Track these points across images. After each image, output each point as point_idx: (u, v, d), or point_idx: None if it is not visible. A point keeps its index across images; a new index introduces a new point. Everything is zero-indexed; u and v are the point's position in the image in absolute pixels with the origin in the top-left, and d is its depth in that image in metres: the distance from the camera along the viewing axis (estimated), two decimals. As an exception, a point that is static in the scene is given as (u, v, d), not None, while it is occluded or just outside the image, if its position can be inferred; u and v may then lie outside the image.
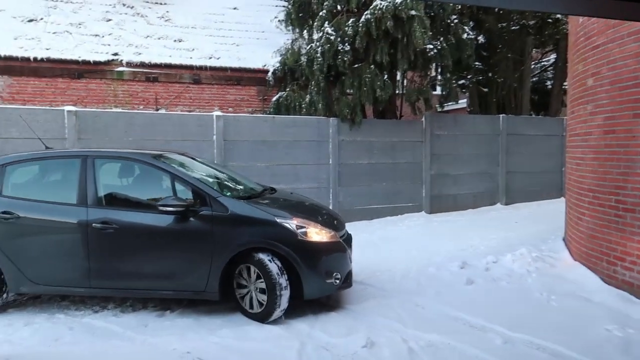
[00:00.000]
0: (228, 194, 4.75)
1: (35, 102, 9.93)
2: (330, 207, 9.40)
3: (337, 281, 4.55)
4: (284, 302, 4.35)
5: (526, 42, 11.62)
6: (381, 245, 7.71)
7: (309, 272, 4.40)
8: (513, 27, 10.78)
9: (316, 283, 4.46)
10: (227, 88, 11.63)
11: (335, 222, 5.04)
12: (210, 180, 4.96)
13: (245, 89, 11.79)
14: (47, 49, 10.21)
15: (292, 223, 4.46)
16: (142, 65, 10.82)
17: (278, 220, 4.45)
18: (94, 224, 4.49)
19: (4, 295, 4.71)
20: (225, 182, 5.19)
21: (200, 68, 11.29)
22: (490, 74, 12.12)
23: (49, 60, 10.08)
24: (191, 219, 4.43)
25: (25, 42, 10.26)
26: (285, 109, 10.29)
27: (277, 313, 4.35)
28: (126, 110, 8.10)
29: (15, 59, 9.87)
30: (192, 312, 4.68)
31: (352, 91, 9.41)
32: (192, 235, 4.43)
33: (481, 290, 5.23)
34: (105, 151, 5.08)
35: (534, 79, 13.76)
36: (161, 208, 4.38)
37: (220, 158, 8.44)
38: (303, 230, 4.47)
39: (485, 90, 12.32)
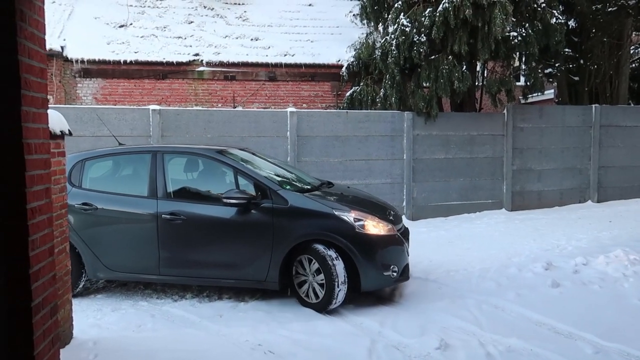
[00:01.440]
0: (288, 187, 4.86)
1: (124, 102, 10.62)
2: (404, 204, 9.21)
3: (395, 274, 4.58)
4: (341, 294, 4.43)
5: (625, 24, 10.60)
6: (457, 243, 7.41)
7: (366, 264, 4.47)
8: (609, 9, 9.86)
9: (373, 275, 4.52)
10: (301, 84, 11.75)
11: (392, 216, 5.10)
12: (271, 174, 5.09)
13: (319, 84, 11.84)
14: (136, 52, 10.87)
15: (349, 216, 4.55)
16: (221, 64, 11.20)
17: (336, 212, 4.55)
18: (163, 215, 4.76)
19: (83, 279, 5.06)
20: (285, 177, 5.28)
21: (276, 65, 11.49)
22: (581, 61, 11.21)
23: (137, 62, 10.73)
24: (253, 211, 4.61)
25: (117, 46, 10.99)
26: (358, 103, 10.20)
27: (335, 304, 4.43)
28: (205, 109, 8.42)
29: (108, 62, 10.60)
30: (264, 305, 4.75)
31: (427, 84, 9.12)
32: (254, 227, 4.62)
33: (569, 294, 4.83)
34: (173, 147, 5.40)
35: (633, 65, 12.55)
36: (225, 200, 4.58)
37: (294, 153, 8.52)
38: (361, 223, 4.55)
39: (576, 79, 11.41)
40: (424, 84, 9.24)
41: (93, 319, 4.42)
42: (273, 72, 11.53)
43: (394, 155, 9.16)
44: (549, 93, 13.95)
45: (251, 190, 4.69)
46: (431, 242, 7.49)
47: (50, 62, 10.41)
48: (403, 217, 9.21)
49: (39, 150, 2.36)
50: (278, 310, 4.62)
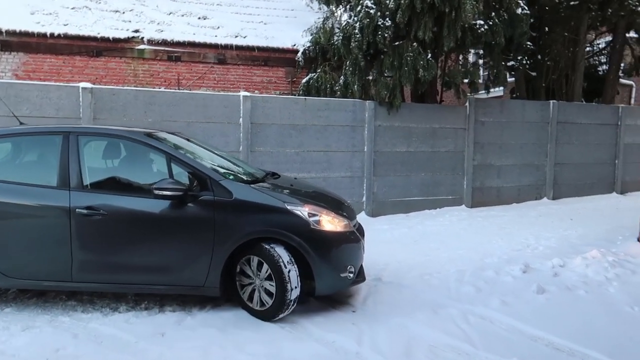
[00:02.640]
0: (231, 177, 4.20)
1: (51, 81, 9.34)
2: (364, 199, 8.66)
3: (351, 275, 4.14)
4: (294, 299, 3.89)
5: (582, 20, 10.53)
6: (423, 243, 6.91)
7: (322, 264, 3.96)
8: (572, 2, 9.70)
9: (330, 277, 4.04)
10: (253, 69, 10.91)
11: (346, 210, 4.59)
12: (210, 162, 4.39)
13: (272, 70, 11.06)
14: (65, 25, 9.62)
15: (303, 210, 4.01)
16: (164, 43, 10.17)
17: (288, 207, 3.99)
18: (77, 210, 3.91)
19: None
20: (225, 166, 4.59)
21: (226, 47, 10.58)
22: (539, 56, 11.08)
23: (66, 36, 9.49)
24: (190, 204, 3.93)
25: (42, 17, 9.69)
26: (315, 91, 9.52)
27: (286, 311, 3.90)
28: (146, 89, 7.45)
29: (32, 34, 9.30)
30: (216, 319, 3.98)
31: (390, 72, 8.58)
32: (191, 223, 3.95)
33: (556, 301, 4.40)
34: (91, 127, 4.59)
35: (587, 64, 12.63)
36: (156, 192, 3.83)
37: (247, 142, 7.72)
38: (315, 218, 4.02)
39: (533, 74, 11.28)
40: (386, 72, 8.69)
41: (-6, 343, 3.48)
42: (223, 55, 10.62)
43: (355, 147, 8.56)
44: (498, 90, 13.85)
45: (187, 180, 3.99)
46: (395, 241, 6.95)
47: (-39, 30, 9.00)
48: (362, 213, 8.68)
49: None
50: (233, 325, 3.86)
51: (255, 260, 3.98)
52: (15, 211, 4.02)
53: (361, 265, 4.37)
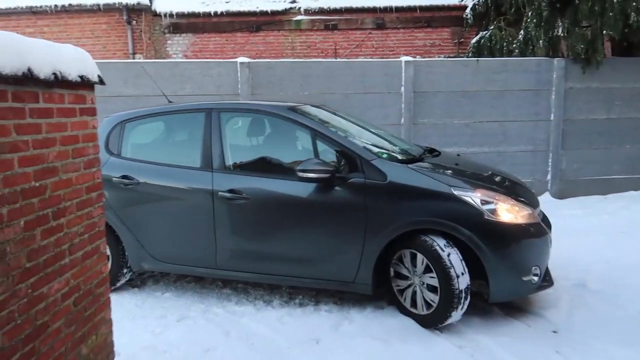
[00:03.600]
0: (385, 155, 3.55)
1: (216, 59, 9.60)
2: (549, 177, 7.23)
3: (536, 278, 3.33)
4: (463, 304, 3.21)
5: None
6: (635, 235, 5.40)
7: (499, 265, 3.20)
8: None
9: (509, 281, 3.26)
10: (415, 32, 9.92)
11: (527, 195, 3.74)
12: (360, 138, 3.79)
13: (436, 31, 9.93)
14: (227, 2, 9.75)
15: (474, 197, 3.27)
16: (321, 11, 9.73)
17: (456, 192, 3.27)
18: (220, 193, 3.61)
19: (125, 272, 4.10)
20: (377, 142, 3.90)
21: (384, 10, 9.75)
22: None
23: (228, 13, 9.62)
24: (337, 187, 3.41)
25: (207, -3, 9.95)
26: (488, 52, 8.18)
27: (453, 318, 3.23)
28: (302, 60, 7.07)
29: (198, 15, 9.62)
30: (377, 327, 3.35)
31: (589, 21, 6.89)
32: (339, 210, 3.43)
33: None
34: (233, 103, 4.23)
35: None
36: (300, 174, 3.37)
37: (409, 114, 6.89)
38: (490, 206, 3.25)
39: None
40: (583, 22, 7.01)
41: (151, 334, 3.34)
42: (381, 19, 9.82)
43: (538, 116, 7.14)
44: None
45: (338, 160, 3.48)
46: (595, 232, 5.56)
47: (139, 17, 9.67)
48: (547, 194, 7.27)
49: None
50: (398, 338, 3.19)
51: (413, 255, 3.34)
52: (161, 193, 3.88)
53: (547, 267, 3.53)
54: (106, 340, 2.69)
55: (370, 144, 3.75)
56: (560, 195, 7.25)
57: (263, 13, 9.67)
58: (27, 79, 1.97)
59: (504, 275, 3.21)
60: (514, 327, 3.29)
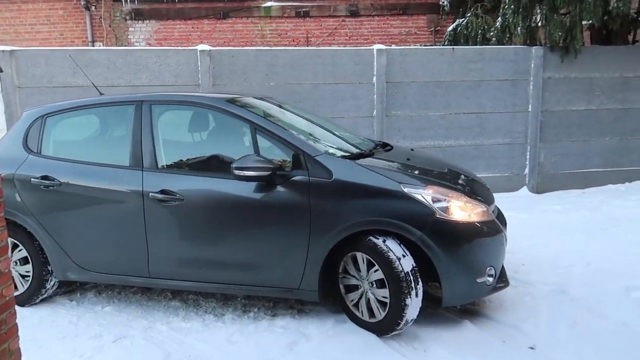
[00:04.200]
0: (331, 151, 3.27)
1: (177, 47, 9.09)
2: (526, 171, 6.97)
3: (491, 279, 3.11)
4: (414, 309, 2.97)
5: None
6: (616, 232, 5.15)
7: (452, 266, 2.96)
8: None
9: (462, 283, 3.03)
10: (390, 20, 9.54)
11: (481, 191, 3.50)
12: (305, 132, 3.50)
13: (412, 19, 9.57)
14: (192, -13, 9.21)
15: (425, 194, 3.02)
16: (292, -2, 9.26)
17: (405, 189, 3.01)
18: (151, 194, 3.25)
19: (51, 282, 3.70)
20: (324, 136, 3.63)
21: (358, -4, 9.34)
22: None
23: (193, 0, 9.09)
24: (280, 187, 3.09)
25: (172, -19, 9.38)
26: (464, 40, 7.87)
27: (411, 309, 2.96)
28: (267, 48, 6.63)
29: (160, 1, 9.06)
30: (337, 346, 2.99)
31: (568, 8, 6.62)
32: (281, 211, 3.12)
33: None
34: (165, 95, 3.79)
35: None
36: (236, 172, 3.01)
37: (381, 105, 6.53)
38: (442, 204, 3.01)
39: None
40: (562, 9, 6.73)
41: (79, 359, 2.92)
42: (355, 5, 9.41)
43: (515, 107, 6.86)
44: None
45: (278, 157, 3.18)
46: (574, 229, 5.29)
47: (98, 2, 9.08)
48: (524, 188, 7.01)
49: None
50: (360, 356, 2.84)
51: (361, 258, 3.07)
52: (86, 195, 3.46)
53: (502, 266, 3.33)
54: (9, 373, 2.27)
55: (317, 139, 3.45)
56: (538, 189, 7.00)
57: (230, -1, 9.18)
58: None
59: (457, 277, 2.98)
60: (487, 344, 2.96)
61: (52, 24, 9.28)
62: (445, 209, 2.98)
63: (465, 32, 7.84)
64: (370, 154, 3.50)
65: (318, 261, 3.08)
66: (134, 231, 3.34)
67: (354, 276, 3.13)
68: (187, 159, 3.44)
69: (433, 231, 2.92)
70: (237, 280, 3.27)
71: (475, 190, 3.39)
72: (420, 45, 9.25)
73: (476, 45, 7.43)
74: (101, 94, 4.11)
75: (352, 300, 3.17)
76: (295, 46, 9.38)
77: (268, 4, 9.28)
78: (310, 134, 3.53)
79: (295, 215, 3.06)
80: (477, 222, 3.07)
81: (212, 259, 3.28)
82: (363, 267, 3.06)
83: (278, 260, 3.16)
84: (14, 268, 3.70)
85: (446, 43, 8.16)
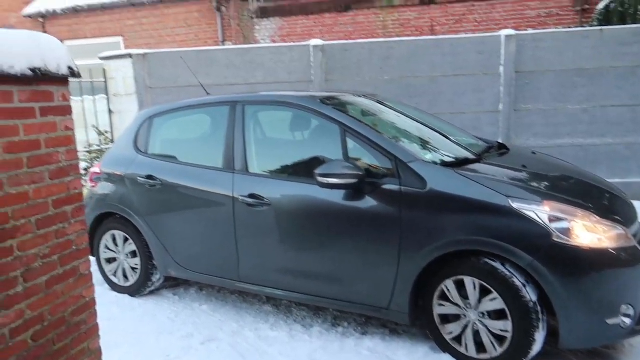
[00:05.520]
0: (428, 156, 2.89)
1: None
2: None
3: (628, 320, 2.47)
4: (539, 345, 2.50)
5: None
6: None
7: (572, 301, 2.41)
8: None
9: (585, 322, 2.45)
10: (526, 0, 8.51)
11: (620, 208, 2.86)
12: (404, 135, 3.19)
13: (554, -1, 8.42)
14: (315, -18, 9.18)
15: (540, 211, 2.48)
16: (416, -15, 8.75)
17: (515, 204, 2.51)
18: (240, 198, 3.16)
19: (155, 278, 3.86)
20: (428, 138, 3.28)
21: (490, -23, 8.49)
22: None
23: (316, -7, 9.06)
24: (368, 196, 2.79)
25: (296, -23, 9.47)
26: (618, 19, 6.70)
27: (537, 343, 2.48)
28: (381, 40, 6.29)
29: (285, -3, 9.19)
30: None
31: None
32: (369, 222, 2.81)
33: None
34: (258, 95, 3.63)
35: None
36: (320, 179, 2.77)
37: (509, 98, 5.81)
38: (562, 225, 2.45)
39: None
40: None
41: (165, 359, 2.95)
42: (486, -12, 8.58)
43: (684, 98, 5.62)
44: None
45: (370, 161, 2.86)
46: None
47: (228, 3, 9.52)
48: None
49: None
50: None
51: (474, 284, 2.60)
52: (183, 196, 3.52)
53: None
54: (88, 376, 2.33)
55: (416, 142, 3.10)
56: None
57: (352, -10, 8.95)
58: None
59: (579, 315, 2.43)
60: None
61: (188, 27, 9.98)
62: (567, 231, 2.43)
63: (620, 9, 6.67)
64: (477, 159, 3.03)
65: (409, 281, 2.74)
66: (225, 234, 3.31)
67: (456, 304, 2.68)
68: (276, 162, 3.32)
69: (548, 257, 2.40)
70: (324, 292, 3.06)
71: (612, 207, 2.77)
72: (562, 28, 8.10)
73: (634, 24, 6.24)
74: (208, 93, 4.17)
75: (450, 333, 2.74)
76: (418, 36, 8.86)
77: (391, -7, 8.89)
78: (410, 136, 3.20)
79: (385, 227, 2.75)
80: (611, 249, 2.46)
81: (298, 268, 3.12)
82: (473, 294, 2.60)
83: (365, 276, 2.88)
84: (125, 260, 3.93)
85: (595, 24, 7.02)
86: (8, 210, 1.88)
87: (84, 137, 6.31)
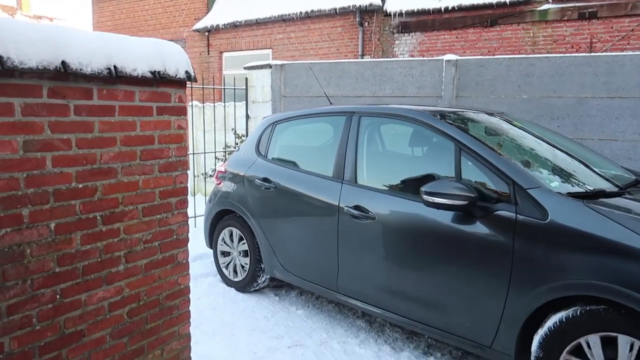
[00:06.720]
0: (554, 184, 2.54)
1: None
2: None
3: None
4: None
5: None
6: None
7: None
8: None
9: None
10: None
11: None
12: (532, 157, 2.90)
13: None
14: (460, -4, 8.88)
15: None
16: (576, -3, 7.95)
17: None
18: (346, 208, 3.13)
19: (261, 279, 4.03)
20: (562, 164, 2.91)
21: (670, -12, 7.36)
22: None
23: (460, 8, 8.76)
24: (479, 221, 2.57)
25: (441, -8, 9.27)
26: None
27: None
28: (521, 56, 5.78)
29: (428, 12, 9.04)
30: None
31: None
32: (476, 248, 2.58)
33: None
34: (375, 107, 3.49)
35: None
36: (426, 197, 2.61)
37: (676, 127, 4.94)
38: None
39: None
40: None
41: (252, 356, 3.06)
42: (663, 0, 7.45)
43: None
44: None
45: (486, 183, 2.63)
46: None
47: (371, 18, 9.67)
48: None
49: None
50: None
51: (631, 344, 2.12)
52: (292, 201, 3.61)
53: None
54: (178, 357, 2.50)
55: (542, 168, 2.75)
56: None
57: (500, 4, 8.45)
58: (64, 74, 1.85)
59: None
60: None
61: (331, 40, 10.34)
62: None
63: None
64: (620, 193, 2.61)
65: (517, 320, 2.45)
66: (328, 243, 3.32)
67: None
68: (386, 176, 3.24)
69: None
70: (422, 317, 2.88)
71: None
72: None
73: None
74: (331, 103, 4.26)
75: None
76: (574, 53, 8.03)
77: (545, 6, 8.20)
78: (538, 160, 2.89)
79: (494, 257, 2.51)
80: None
81: (396, 287, 2.98)
82: (625, 356, 2.13)
83: (467, 307, 2.65)
84: (237, 257, 4.17)
85: None
86: (119, 196, 2.11)
87: (224, 139, 6.88)
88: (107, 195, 2.06)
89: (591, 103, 5.26)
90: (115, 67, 1.99)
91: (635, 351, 2.10)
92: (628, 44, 7.80)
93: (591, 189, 2.59)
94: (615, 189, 2.66)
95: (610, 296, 2.14)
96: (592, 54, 6.10)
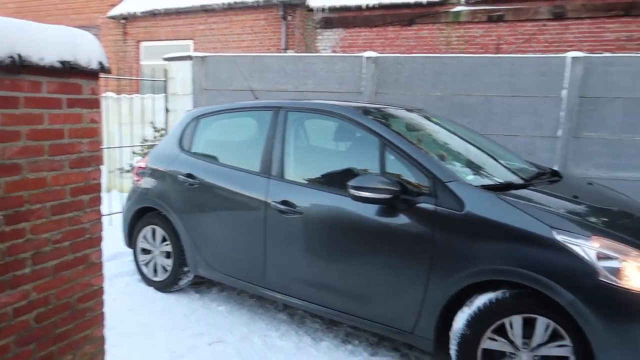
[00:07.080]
0: (470, 177, 2.74)
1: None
2: None
3: None
4: None
5: None
6: None
7: (616, 347, 2.18)
8: None
9: None
10: (605, 22, 8.00)
11: None
12: (447, 152, 3.10)
13: (637, 21, 7.85)
14: (380, -6, 9.15)
15: (587, 246, 2.29)
16: (485, 1, 8.47)
17: (559, 237, 2.33)
18: (273, 203, 3.16)
19: (183, 282, 3.97)
20: (474, 158, 3.13)
21: (566, -4, 8.06)
22: None
23: (380, 6, 9.03)
24: (401, 213, 2.69)
25: (362, -11, 9.49)
26: None
27: None
28: (436, 55, 6.11)
29: (349, 8, 9.22)
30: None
31: None
32: (399, 240, 2.72)
33: None
34: (301, 102, 3.61)
35: None
36: (352, 192, 2.70)
37: (569, 124, 5.45)
38: (612, 264, 2.25)
39: None
40: None
41: (171, 354, 3.00)
42: (561, 7, 8.14)
43: None
44: None
45: (407, 177, 2.77)
46: None
47: (294, 12, 9.70)
48: None
49: None
50: None
51: (546, 326, 2.35)
52: (216, 196, 3.57)
53: None
54: (91, 361, 2.40)
55: (459, 161, 2.95)
56: None
57: (418, 5, 8.82)
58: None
59: None
60: None
61: (254, 33, 10.26)
62: (616, 271, 2.22)
63: None
64: (525, 185, 2.86)
65: (437, 306, 2.61)
66: (255, 239, 3.32)
67: (512, 342, 2.42)
68: (312, 170, 3.30)
69: (592, 298, 2.20)
70: (346, 307, 2.98)
71: None
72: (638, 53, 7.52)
73: None
74: (256, 98, 4.24)
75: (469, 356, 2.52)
76: (482, 54, 8.57)
77: (458, 8, 8.67)
78: (454, 155, 3.08)
79: (415, 247, 2.65)
80: None
81: (324, 280, 3.06)
82: (540, 336, 2.35)
83: (390, 296, 2.78)
84: (159, 257, 4.03)
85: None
86: (24, 194, 1.98)
87: (141, 133, 6.62)
88: (11, 194, 1.93)
89: (497, 101, 5.65)
90: (19, 55, 1.87)
91: (549, 332, 2.33)
92: (530, 46, 8.46)
93: (501, 181, 2.81)
94: (522, 182, 2.90)
95: (514, 278, 2.35)
96: (499, 55, 6.55)
